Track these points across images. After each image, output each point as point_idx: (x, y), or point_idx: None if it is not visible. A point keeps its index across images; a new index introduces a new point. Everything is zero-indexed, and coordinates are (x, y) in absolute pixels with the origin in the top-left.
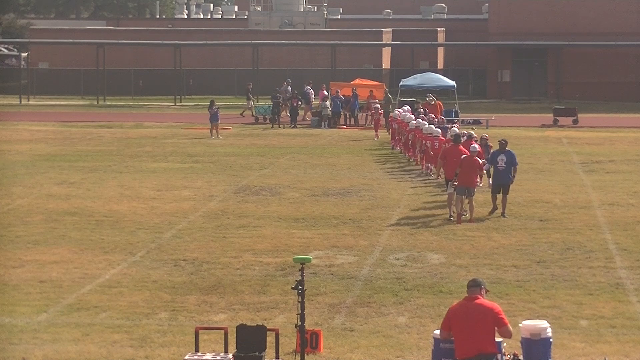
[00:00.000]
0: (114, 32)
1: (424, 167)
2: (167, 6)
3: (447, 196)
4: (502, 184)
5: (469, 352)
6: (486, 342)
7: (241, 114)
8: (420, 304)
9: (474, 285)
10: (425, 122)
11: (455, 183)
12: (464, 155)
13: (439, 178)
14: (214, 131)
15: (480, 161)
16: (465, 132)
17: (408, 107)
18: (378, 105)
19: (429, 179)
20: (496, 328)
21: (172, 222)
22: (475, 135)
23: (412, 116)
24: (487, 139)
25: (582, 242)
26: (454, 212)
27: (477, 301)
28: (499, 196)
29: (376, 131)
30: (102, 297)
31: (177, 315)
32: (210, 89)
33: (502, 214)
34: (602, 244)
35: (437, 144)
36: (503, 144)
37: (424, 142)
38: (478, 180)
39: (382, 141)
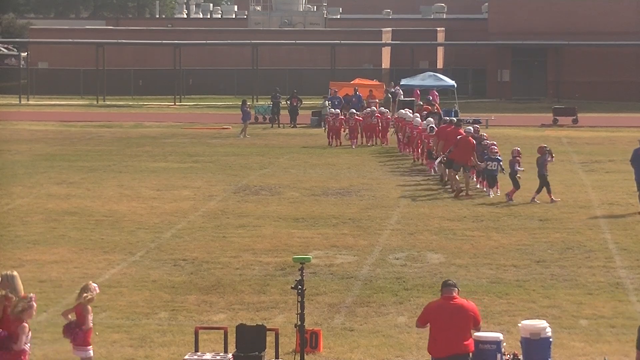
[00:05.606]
0: (114, 31)
1: (403, 150)
2: (166, 6)
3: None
4: None
5: (448, 350)
6: (465, 341)
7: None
8: (420, 303)
9: (451, 286)
10: (409, 114)
11: (445, 159)
12: (459, 136)
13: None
14: (244, 130)
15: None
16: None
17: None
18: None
19: (429, 177)
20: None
21: (172, 221)
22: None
23: (403, 111)
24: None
25: (581, 242)
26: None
27: (457, 301)
28: None
29: (338, 138)
30: (101, 297)
31: (176, 315)
32: (210, 88)
33: None
34: (601, 244)
35: (416, 132)
36: None
37: (407, 129)
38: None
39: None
